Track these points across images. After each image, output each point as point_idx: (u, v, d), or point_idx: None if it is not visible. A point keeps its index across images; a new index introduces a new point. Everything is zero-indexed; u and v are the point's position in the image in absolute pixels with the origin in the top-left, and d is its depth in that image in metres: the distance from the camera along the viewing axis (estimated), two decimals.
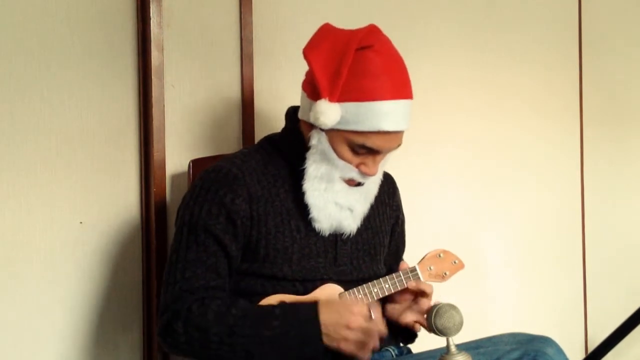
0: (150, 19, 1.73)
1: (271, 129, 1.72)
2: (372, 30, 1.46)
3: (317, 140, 1.44)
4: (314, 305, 1.37)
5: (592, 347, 2.55)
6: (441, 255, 1.58)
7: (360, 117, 1.40)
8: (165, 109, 1.75)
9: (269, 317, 1.36)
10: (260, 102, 1.92)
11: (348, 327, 1.35)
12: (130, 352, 1.77)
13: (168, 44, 1.77)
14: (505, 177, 2.46)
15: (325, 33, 1.47)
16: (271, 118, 1.92)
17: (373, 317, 1.39)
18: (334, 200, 1.45)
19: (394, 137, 1.44)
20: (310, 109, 1.43)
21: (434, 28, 2.28)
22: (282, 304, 1.40)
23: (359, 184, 1.47)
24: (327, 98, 1.40)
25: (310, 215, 1.45)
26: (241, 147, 1.88)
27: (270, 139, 1.58)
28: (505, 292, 2.47)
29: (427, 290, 1.51)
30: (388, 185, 1.67)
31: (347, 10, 2.03)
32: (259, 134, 1.88)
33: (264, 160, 1.51)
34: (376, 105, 1.39)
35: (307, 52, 1.43)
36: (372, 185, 1.51)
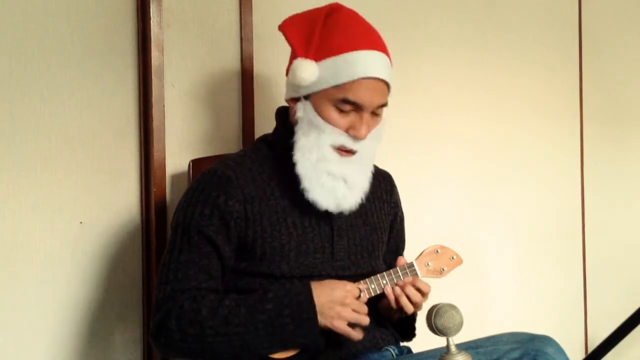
0: (150, 19, 1.73)
1: (271, 129, 1.72)
2: (339, 5, 1.52)
3: (303, 111, 1.46)
4: (306, 285, 1.38)
5: (592, 347, 2.55)
6: (439, 251, 1.57)
7: (338, 70, 1.42)
8: (165, 109, 1.76)
9: (262, 301, 1.36)
10: (260, 102, 1.92)
11: (341, 304, 1.36)
12: (130, 351, 1.77)
13: (168, 44, 1.77)
14: (505, 176, 2.46)
15: (295, 15, 1.53)
16: (271, 118, 1.91)
17: (362, 297, 1.41)
18: (326, 170, 1.43)
19: (376, 89, 1.44)
20: (290, 80, 1.47)
21: (434, 28, 2.28)
22: (275, 288, 1.41)
23: (351, 153, 1.45)
24: (303, 56, 1.44)
25: (302, 186, 1.44)
26: (241, 147, 1.88)
27: (264, 139, 1.59)
28: (505, 292, 2.47)
29: (424, 289, 1.51)
30: (385, 183, 1.67)
31: None
32: (259, 134, 1.88)
33: (259, 160, 1.52)
34: (351, 55, 1.43)
35: (282, 25, 1.50)
36: (365, 155, 1.48)
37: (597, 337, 2.55)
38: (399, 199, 1.70)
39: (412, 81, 2.22)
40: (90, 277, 1.71)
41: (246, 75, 1.89)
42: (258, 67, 1.91)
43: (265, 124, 1.92)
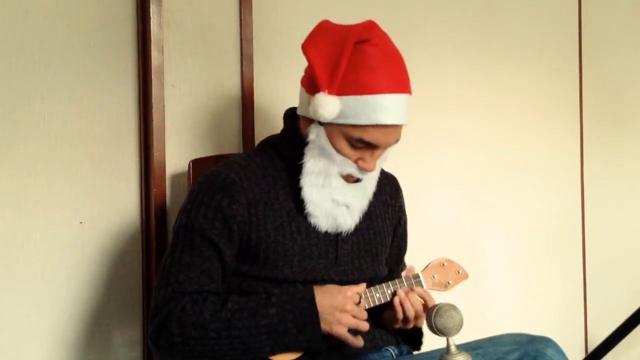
0: (150, 19, 1.73)
1: (271, 129, 1.72)
2: (371, 25, 1.46)
3: (316, 135, 1.44)
4: (309, 290, 1.38)
5: (592, 347, 2.55)
6: (445, 264, 1.57)
7: (358, 111, 1.39)
8: (165, 109, 1.75)
9: (265, 306, 1.36)
10: (260, 102, 1.92)
11: (341, 310, 1.37)
12: (131, 351, 1.77)
13: (168, 44, 1.77)
14: (505, 176, 2.46)
15: (324, 29, 1.47)
16: (271, 118, 1.92)
17: (361, 303, 1.42)
18: (331, 197, 1.45)
19: (392, 132, 1.44)
20: (309, 104, 1.43)
21: (433, 28, 2.28)
22: (278, 292, 1.40)
23: (357, 180, 1.47)
24: (326, 91, 1.40)
25: (306, 210, 1.45)
26: (241, 147, 1.88)
27: (270, 141, 1.58)
28: (505, 292, 2.47)
29: (429, 302, 1.51)
30: (391, 186, 1.66)
31: (346, 10, 2.03)
32: (259, 134, 1.88)
33: (264, 163, 1.51)
34: (374, 98, 1.39)
35: (306, 47, 1.44)
36: (370, 182, 1.51)
37: (597, 337, 2.55)
38: (404, 202, 1.70)
39: (412, 81, 2.21)
40: (90, 277, 1.71)
41: (246, 75, 1.89)
42: (258, 67, 1.91)
43: (265, 124, 1.92)
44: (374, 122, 1.39)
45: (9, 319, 1.62)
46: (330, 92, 1.40)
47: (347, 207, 1.47)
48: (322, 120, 1.41)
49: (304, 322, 1.35)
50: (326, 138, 1.43)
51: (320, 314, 1.36)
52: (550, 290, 2.58)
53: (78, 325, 1.70)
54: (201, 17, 1.84)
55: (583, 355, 2.64)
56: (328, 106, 1.39)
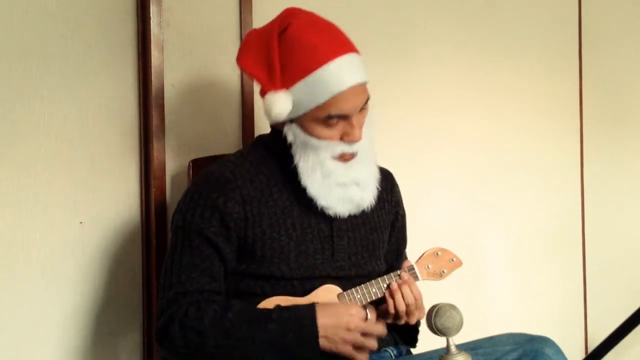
0: (150, 19, 1.73)
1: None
2: (289, 12, 1.47)
3: (293, 135, 1.44)
4: (311, 308, 1.37)
5: (592, 347, 2.55)
6: (438, 253, 1.57)
7: (312, 92, 1.39)
8: (165, 109, 1.76)
9: (266, 320, 1.36)
10: (260, 102, 1.91)
11: (347, 329, 1.36)
12: (131, 351, 1.77)
13: (168, 44, 1.77)
14: (505, 176, 2.46)
15: (250, 37, 1.49)
16: None
17: (369, 317, 1.40)
18: (336, 182, 1.44)
19: (355, 94, 1.42)
20: (267, 115, 1.44)
21: (433, 28, 2.28)
22: (279, 307, 1.40)
23: (352, 156, 1.45)
24: (271, 90, 1.41)
25: (320, 206, 1.44)
26: (241, 147, 1.88)
27: (261, 139, 1.58)
28: (505, 292, 2.47)
29: (415, 291, 1.50)
30: (386, 181, 1.66)
31: (346, 11, 2.03)
32: (259, 134, 1.88)
33: (257, 160, 1.51)
34: (319, 73, 1.39)
35: (239, 61, 1.47)
36: (365, 154, 1.48)
37: (597, 337, 2.55)
38: (401, 197, 1.69)
39: (412, 81, 2.21)
40: (90, 277, 1.71)
41: (246, 75, 1.88)
42: None
43: (265, 124, 1.90)
44: (330, 94, 1.39)
45: (9, 319, 1.62)
46: (275, 89, 1.40)
47: (357, 184, 1.46)
48: (279, 118, 1.42)
49: (303, 340, 1.35)
50: (302, 132, 1.43)
51: (323, 333, 1.35)
52: (550, 290, 2.58)
53: (78, 325, 1.70)
54: (201, 17, 1.84)
55: (583, 355, 2.64)
56: (279, 102, 1.40)
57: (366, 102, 1.45)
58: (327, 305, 1.40)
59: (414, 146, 2.21)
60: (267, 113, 1.43)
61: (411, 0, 2.23)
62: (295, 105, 1.41)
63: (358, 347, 1.39)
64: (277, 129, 1.50)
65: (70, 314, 1.69)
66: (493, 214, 2.43)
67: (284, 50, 1.41)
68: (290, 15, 1.46)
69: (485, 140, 2.40)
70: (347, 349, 1.37)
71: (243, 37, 1.88)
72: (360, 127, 1.44)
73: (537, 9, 2.53)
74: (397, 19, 2.19)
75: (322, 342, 1.35)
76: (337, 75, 1.39)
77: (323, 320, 1.35)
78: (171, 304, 1.39)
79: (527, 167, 2.51)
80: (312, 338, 1.34)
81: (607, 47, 2.72)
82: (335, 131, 1.43)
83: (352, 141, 1.43)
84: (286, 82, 1.40)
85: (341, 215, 1.46)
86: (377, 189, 1.51)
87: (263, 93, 1.45)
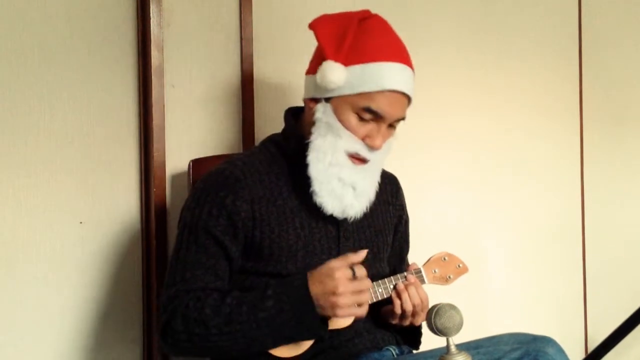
0: (150, 19, 1.73)
1: (271, 128, 1.72)
2: (370, 12, 1.52)
3: (322, 113, 1.45)
4: (303, 279, 1.37)
5: (592, 347, 2.55)
6: (446, 258, 1.58)
7: (365, 78, 1.42)
8: (165, 109, 1.75)
9: (262, 299, 1.35)
10: (260, 102, 1.92)
11: (334, 294, 1.34)
12: (131, 351, 1.77)
13: (168, 44, 1.77)
14: (505, 176, 2.46)
15: (328, 15, 1.52)
16: (271, 118, 1.92)
17: (357, 274, 1.38)
18: (338, 175, 1.44)
19: (399, 102, 1.45)
20: (315, 80, 1.45)
21: (433, 28, 2.28)
22: (273, 283, 1.39)
23: (364, 162, 1.46)
24: (332, 59, 1.43)
25: (312, 189, 1.44)
26: (241, 147, 1.88)
27: (273, 139, 1.58)
28: (506, 292, 2.47)
29: (422, 294, 1.51)
30: (391, 185, 1.67)
31: (346, 10, 2.03)
32: (259, 134, 1.88)
33: (267, 160, 1.52)
34: (380, 65, 1.43)
35: (314, 23, 1.48)
36: (375, 166, 1.50)
37: (597, 337, 2.55)
38: (405, 201, 1.70)
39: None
40: (90, 277, 1.71)
41: (246, 75, 1.89)
42: (258, 67, 1.91)
43: (265, 124, 1.92)
44: (380, 87, 1.41)
45: (9, 319, 1.62)
46: (337, 60, 1.43)
47: (354, 189, 1.46)
48: (330, 86, 1.43)
49: (301, 311, 1.34)
50: (332, 114, 1.44)
51: (316, 302, 1.34)
52: (550, 290, 2.58)
53: (78, 325, 1.70)
54: (201, 17, 1.84)
55: (583, 355, 2.64)
56: (335, 71, 1.42)
57: (400, 120, 1.48)
58: (315, 273, 1.37)
59: (414, 146, 2.21)
60: (321, 79, 1.43)
61: (411, 1, 2.23)
62: (343, 84, 1.43)
63: (354, 306, 1.37)
64: (293, 128, 1.51)
65: (70, 313, 1.69)
66: (493, 213, 2.43)
67: (360, 32, 1.45)
68: (372, 14, 1.51)
69: (485, 141, 2.40)
70: (343, 311, 1.35)
71: (243, 36, 1.89)
72: (384, 138, 1.46)
73: (537, 9, 2.53)
74: (398, 19, 2.18)
75: (319, 311, 1.35)
76: (392, 75, 1.43)
77: (313, 289, 1.35)
78: (172, 300, 1.39)
79: (527, 167, 2.51)
80: (310, 309, 1.34)
81: (607, 47, 2.72)
82: (363, 128, 1.44)
83: (371, 146, 1.44)
84: (348, 59, 1.43)
85: (325, 210, 1.45)
86: (371, 199, 1.51)
87: (314, 67, 1.47)
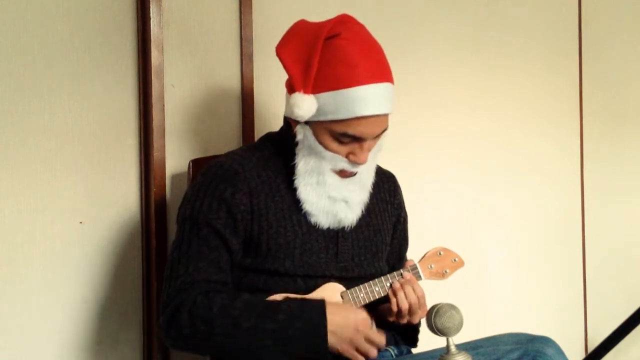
0: (150, 18, 1.73)
1: (271, 128, 1.72)
2: (342, 20, 1.47)
3: (303, 135, 1.45)
4: (321, 303, 1.37)
5: (592, 347, 2.55)
6: (441, 253, 1.58)
7: (337, 106, 1.40)
8: (165, 109, 1.76)
9: (275, 311, 1.36)
10: (260, 102, 1.92)
11: (355, 329, 1.36)
12: (131, 351, 1.77)
13: (168, 44, 1.77)
14: (505, 177, 2.46)
15: (296, 29, 1.49)
16: (271, 118, 1.92)
17: (373, 327, 1.40)
18: (327, 194, 1.45)
19: (376, 122, 1.43)
20: (288, 110, 1.45)
21: (434, 29, 2.28)
22: (289, 299, 1.40)
23: (352, 175, 1.46)
24: (301, 90, 1.41)
25: (305, 210, 1.45)
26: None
27: (270, 136, 1.59)
28: (505, 292, 2.47)
29: (418, 291, 1.51)
30: (389, 184, 1.67)
31: (346, 11, 2.03)
32: (259, 134, 1.88)
33: (264, 156, 1.52)
34: (351, 92, 1.39)
35: (279, 49, 1.46)
36: (365, 174, 1.50)
37: (597, 337, 2.55)
38: (403, 200, 1.70)
39: (413, 82, 2.21)
40: (90, 277, 1.71)
41: (246, 75, 1.89)
42: (258, 67, 1.91)
43: (265, 124, 1.92)
44: (353, 115, 1.39)
45: (9, 319, 1.62)
46: (305, 91, 1.41)
47: (346, 202, 1.47)
48: (299, 119, 1.42)
49: (311, 333, 1.34)
50: (313, 136, 1.44)
51: (331, 328, 1.34)
52: (550, 290, 2.58)
53: (78, 325, 1.70)
54: (201, 16, 1.84)
55: (583, 355, 2.64)
56: (303, 104, 1.40)
57: (383, 131, 1.46)
58: (336, 303, 1.40)
59: (414, 146, 2.21)
60: (290, 110, 1.44)
61: (411, 1, 2.23)
62: (317, 111, 1.41)
63: (359, 351, 1.38)
64: (290, 123, 1.51)
65: (70, 313, 1.69)
66: (493, 213, 2.43)
67: (325, 56, 1.41)
68: (342, 23, 1.45)
69: (485, 140, 2.40)
70: (351, 351, 1.37)
71: (243, 36, 1.89)
72: (369, 151, 1.45)
73: (537, 9, 2.53)
74: (398, 19, 2.19)
75: (330, 337, 1.34)
76: (366, 100, 1.39)
77: (332, 316, 1.35)
78: (179, 293, 1.38)
79: (528, 167, 2.51)
80: (321, 330, 1.34)
81: (607, 47, 2.72)
82: (344, 148, 1.43)
83: (356, 162, 1.44)
84: (317, 86, 1.41)
85: (319, 226, 1.47)
86: (366, 202, 1.52)
87: (290, 88, 1.46)
